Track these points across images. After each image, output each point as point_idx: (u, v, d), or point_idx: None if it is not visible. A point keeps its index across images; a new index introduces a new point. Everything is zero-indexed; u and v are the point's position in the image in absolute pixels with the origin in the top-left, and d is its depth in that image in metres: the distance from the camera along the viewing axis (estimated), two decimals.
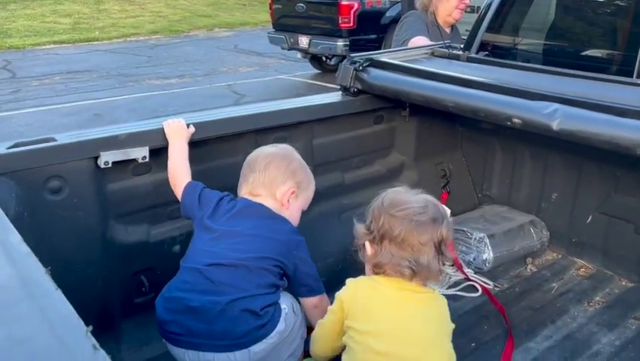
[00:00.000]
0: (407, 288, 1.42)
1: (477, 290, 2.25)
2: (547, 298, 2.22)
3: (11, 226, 1.12)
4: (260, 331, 1.49)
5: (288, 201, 1.68)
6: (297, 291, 1.66)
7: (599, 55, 2.61)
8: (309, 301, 1.65)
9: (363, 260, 1.51)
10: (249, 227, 1.59)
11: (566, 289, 2.28)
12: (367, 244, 1.45)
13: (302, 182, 1.71)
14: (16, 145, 1.61)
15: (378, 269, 1.44)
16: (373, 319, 1.41)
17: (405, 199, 1.44)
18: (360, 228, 1.48)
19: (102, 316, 1.82)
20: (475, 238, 2.40)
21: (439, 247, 1.40)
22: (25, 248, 1.02)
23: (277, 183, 1.66)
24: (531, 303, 2.19)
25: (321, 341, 1.55)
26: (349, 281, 1.49)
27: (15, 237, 1.08)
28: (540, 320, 2.07)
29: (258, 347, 1.49)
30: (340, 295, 1.47)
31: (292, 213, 1.71)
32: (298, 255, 1.63)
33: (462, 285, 2.27)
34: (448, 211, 1.54)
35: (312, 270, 1.66)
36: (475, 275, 2.34)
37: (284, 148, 1.77)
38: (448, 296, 1.70)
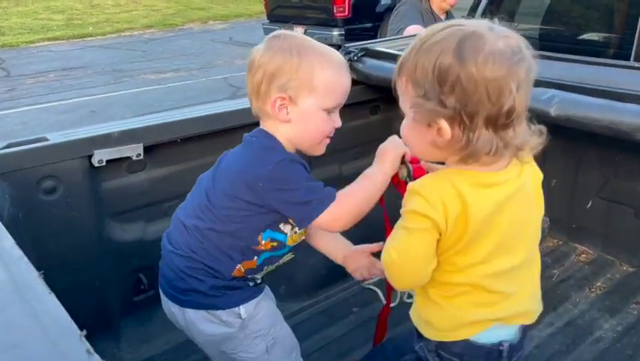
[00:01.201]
0: (498, 180, 1.04)
1: None
2: (549, 284, 2.22)
3: (4, 229, 1.11)
4: (202, 298, 1.32)
5: (287, 113, 1.26)
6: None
7: (596, 39, 2.59)
8: (316, 226, 1.28)
9: (418, 147, 1.08)
10: (217, 177, 1.33)
11: (567, 276, 2.27)
12: (444, 124, 0.97)
13: (292, 79, 1.23)
14: (8, 146, 1.59)
15: (469, 159, 1.01)
16: (478, 247, 1.05)
17: (497, 46, 0.94)
18: (422, 102, 0.98)
19: (101, 315, 1.81)
20: None
21: None
22: (18, 252, 1.01)
23: (262, 93, 1.26)
24: None
25: (414, 264, 1.06)
26: (423, 188, 1.03)
27: (8, 240, 1.07)
28: (542, 307, 2.07)
29: (192, 315, 1.33)
30: (425, 211, 1.01)
31: (302, 125, 1.28)
32: (272, 194, 1.23)
33: None
34: None
35: (293, 194, 1.23)
36: None
37: (275, 35, 1.30)
38: None
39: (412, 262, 1.06)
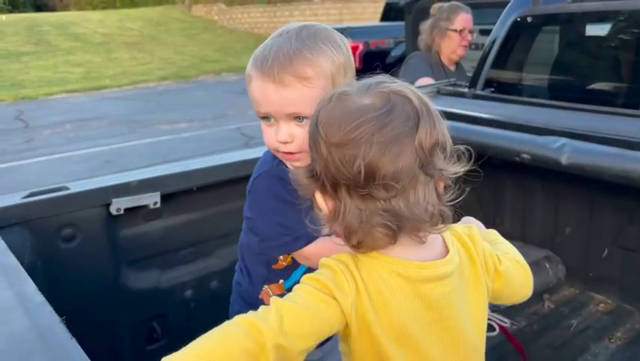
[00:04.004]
0: (409, 268, 0.85)
1: (494, 329, 2.20)
2: (567, 335, 2.17)
3: (26, 275, 1.14)
4: None
5: None
6: None
7: (605, 88, 2.63)
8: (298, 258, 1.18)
9: (324, 230, 0.87)
10: None
11: (585, 326, 2.23)
12: (318, 197, 0.85)
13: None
14: (30, 195, 1.63)
15: (353, 243, 0.83)
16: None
17: (350, 108, 0.81)
18: (299, 173, 0.88)
19: None
20: None
21: (424, 166, 0.81)
22: (40, 298, 1.03)
23: None
24: (550, 341, 2.14)
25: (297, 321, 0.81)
26: (336, 263, 0.85)
27: (30, 287, 1.09)
28: (560, 358, 2.02)
29: None
30: (326, 280, 0.83)
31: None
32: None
33: None
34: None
35: (253, 223, 1.17)
36: (492, 313, 2.30)
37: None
38: None
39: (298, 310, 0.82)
